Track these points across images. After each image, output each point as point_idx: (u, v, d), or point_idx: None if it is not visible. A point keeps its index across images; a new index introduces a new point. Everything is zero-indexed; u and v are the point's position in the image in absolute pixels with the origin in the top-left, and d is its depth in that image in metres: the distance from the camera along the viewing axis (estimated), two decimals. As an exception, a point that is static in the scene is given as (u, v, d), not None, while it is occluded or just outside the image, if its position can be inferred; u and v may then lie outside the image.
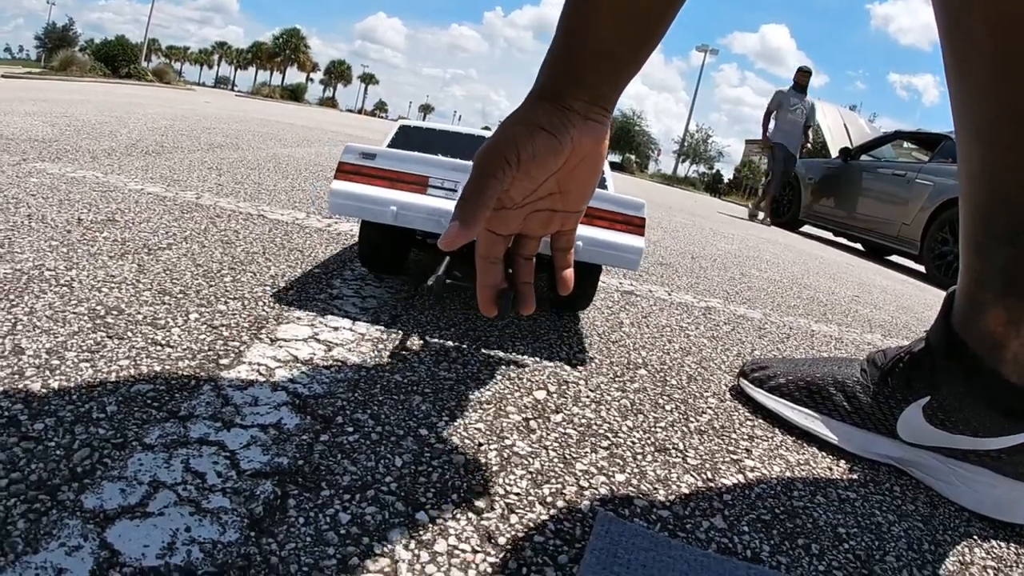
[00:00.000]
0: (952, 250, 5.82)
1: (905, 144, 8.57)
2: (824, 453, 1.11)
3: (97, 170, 2.42)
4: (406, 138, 1.75)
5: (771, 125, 8.58)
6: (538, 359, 1.27)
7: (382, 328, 1.26)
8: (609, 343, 1.48)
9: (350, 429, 0.79)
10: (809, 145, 9.04)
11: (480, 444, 0.88)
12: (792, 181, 9.37)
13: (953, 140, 6.93)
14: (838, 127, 9.82)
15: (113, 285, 1.17)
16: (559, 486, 0.83)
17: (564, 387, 1.16)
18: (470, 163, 1.40)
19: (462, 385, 1.06)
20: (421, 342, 1.22)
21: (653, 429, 1.07)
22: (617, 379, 1.26)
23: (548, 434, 0.96)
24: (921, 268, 6.34)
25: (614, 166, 37.41)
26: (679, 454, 0.99)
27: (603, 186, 1.60)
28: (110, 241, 1.47)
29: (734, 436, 1.10)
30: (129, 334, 0.98)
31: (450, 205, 1.29)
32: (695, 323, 1.87)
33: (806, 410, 1.17)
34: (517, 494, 0.78)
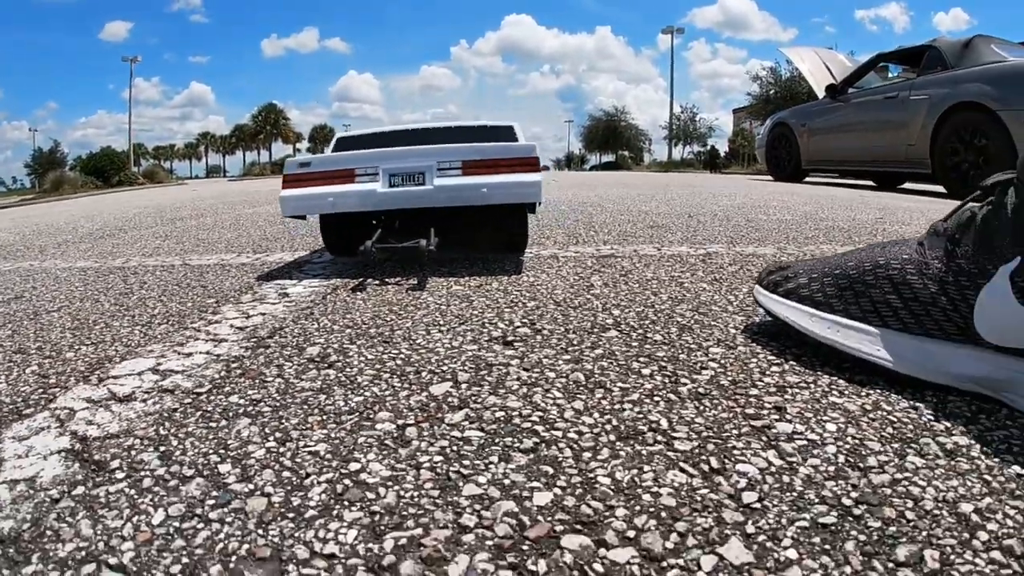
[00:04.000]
0: (966, 158, 5.37)
1: (891, 71, 8.16)
2: (899, 385, 0.73)
3: (36, 260, 2.34)
4: (343, 146, 2.14)
5: None
6: (456, 344, 0.91)
7: (250, 346, 0.95)
8: (569, 309, 1.11)
9: (120, 475, 0.63)
10: None
11: (306, 476, 0.56)
12: (785, 132, 8.99)
13: (938, 48, 6.54)
14: (818, 68, 9.45)
15: (-29, 355, 1.05)
16: (416, 533, 0.46)
17: (483, 373, 0.79)
18: (382, 150, 1.68)
19: (323, 395, 0.74)
20: (294, 351, 0.89)
21: (618, 407, 0.69)
22: (571, 348, 0.88)
23: (431, 444, 0.60)
24: (939, 188, 5.93)
25: (608, 165, 37.10)
26: (661, 437, 0.61)
27: (514, 139, 2.00)
28: (1, 316, 1.37)
29: (754, 392, 0.72)
30: (-54, 394, 0.83)
31: (373, 186, 1.59)
32: (691, 270, 1.49)
33: (833, 316, 0.77)
34: (331, 556, 0.44)
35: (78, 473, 0.64)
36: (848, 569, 0.43)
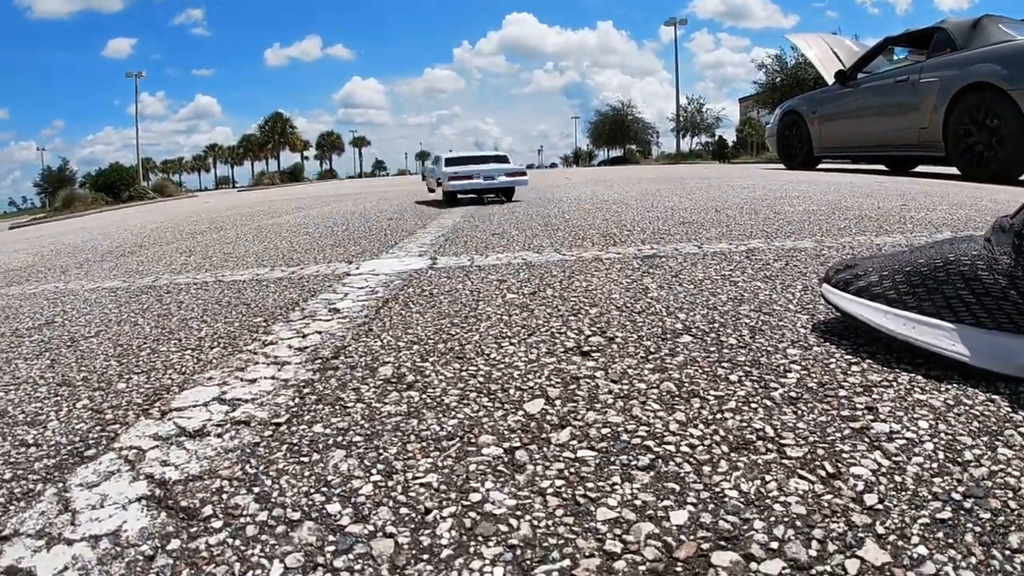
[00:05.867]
0: (979, 139, 5.29)
1: (898, 54, 8.07)
2: (972, 378, 0.74)
3: (60, 281, 2.32)
4: (449, 162, 5.21)
5: None
6: (533, 357, 0.91)
7: (317, 366, 0.94)
8: (633, 315, 1.11)
9: (217, 524, 0.58)
10: None
11: (427, 511, 0.54)
12: (796, 120, 8.95)
13: (946, 30, 6.46)
14: (826, 54, 9.38)
15: (11, 387, 1.04)
16: (565, 564, 0.46)
17: (573, 386, 0.79)
18: (476, 166, 5.60)
19: (414, 419, 0.72)
20: (366, 372, 0.88)
21: (720, 416, 0.69)
22: (651, 357, 0.88)
23: (547, 468, 0.60)
24: (952, 170, 5.86)
25: (616, 160, 37.01)
26: (771, 444, 0.62)
27: (508, 161, 5.58)
28: (35, 343, 1.35)
29: (843, 393, 0.72)
30: (-1, 438, 0.81)
31: (478, 180, 4.87)
32: (739, 268, 1.49)
33: (907, 313, 0.78)
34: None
35: (168, 524, 0.58)
36: (973, 559, 0.44)
